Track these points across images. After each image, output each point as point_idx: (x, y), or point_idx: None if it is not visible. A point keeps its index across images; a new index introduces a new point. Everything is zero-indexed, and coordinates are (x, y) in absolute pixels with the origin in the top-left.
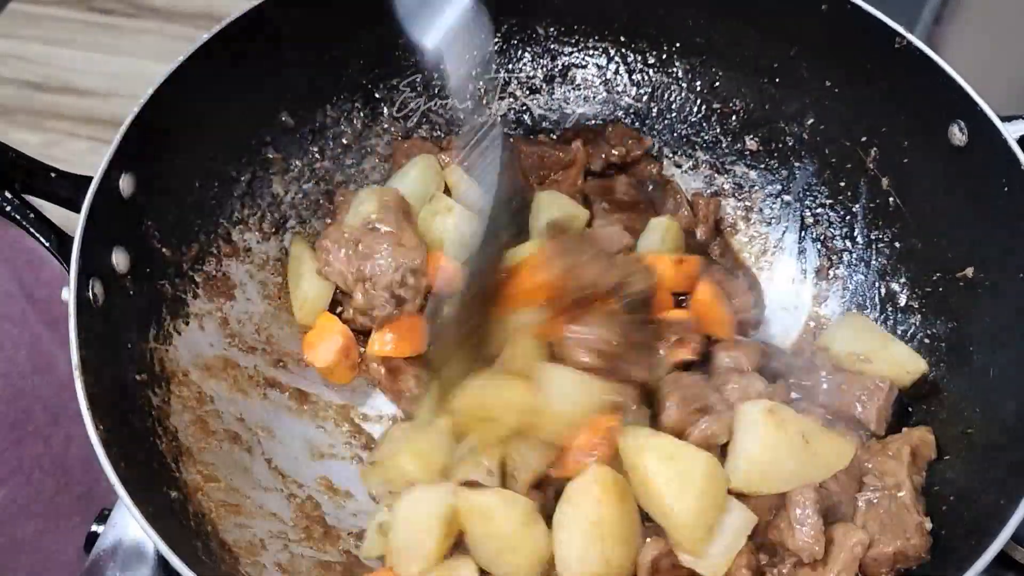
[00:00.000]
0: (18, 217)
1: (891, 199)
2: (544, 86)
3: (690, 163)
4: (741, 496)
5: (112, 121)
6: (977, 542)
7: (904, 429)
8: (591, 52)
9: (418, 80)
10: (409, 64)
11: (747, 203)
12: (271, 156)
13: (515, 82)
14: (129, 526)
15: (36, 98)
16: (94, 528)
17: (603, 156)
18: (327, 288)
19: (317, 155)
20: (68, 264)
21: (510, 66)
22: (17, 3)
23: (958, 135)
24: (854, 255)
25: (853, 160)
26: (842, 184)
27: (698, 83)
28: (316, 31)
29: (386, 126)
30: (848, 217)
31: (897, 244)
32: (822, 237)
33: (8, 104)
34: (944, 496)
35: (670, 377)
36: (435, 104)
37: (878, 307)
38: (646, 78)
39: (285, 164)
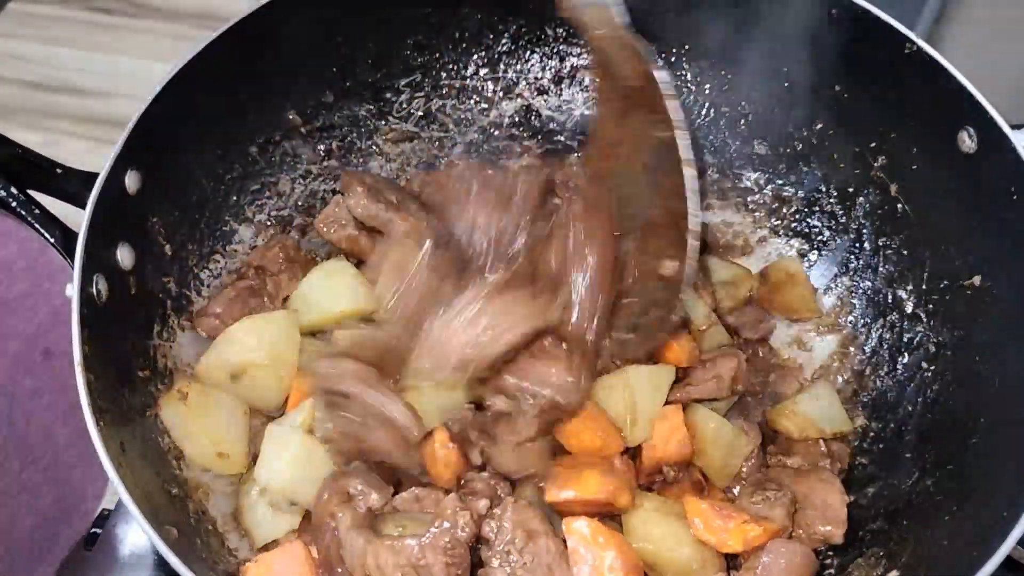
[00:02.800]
0: (23, 212)
1: (899, 206)
2: (552, 87)
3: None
4: None
5: (112, 121)
6: (981, 549)
7: None
8: None
9: (426, 81)
10: (417, 65)
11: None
12: (278, 154)
13: (523, 83)
14: (129, 526)
15: (36, 98)
16: (94, 528)
17: None
18: None
19: (323, 154)
20: (72, 260)
21: (519, 67)
22: (17, 3)
23: (967, 142)
24: (861, 261)
25: (861, 166)
26: (850, 190)
27: (707, 86)
28: (324, 31)
29: (393, 126)
30: (856, 223)
31: (905, 251)
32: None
33: (8, 104)
34: (947, 503)
35: None
36: (441, 104)
37: (885, 314)
38: None
39: (292, 162)
